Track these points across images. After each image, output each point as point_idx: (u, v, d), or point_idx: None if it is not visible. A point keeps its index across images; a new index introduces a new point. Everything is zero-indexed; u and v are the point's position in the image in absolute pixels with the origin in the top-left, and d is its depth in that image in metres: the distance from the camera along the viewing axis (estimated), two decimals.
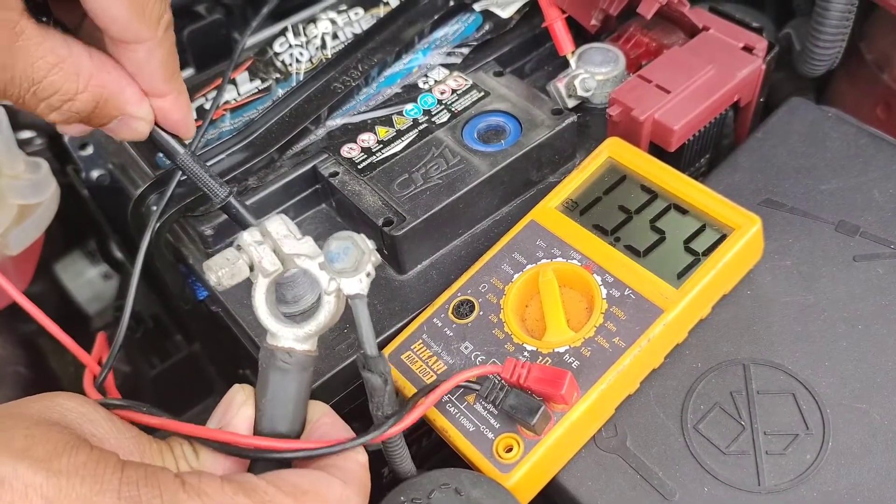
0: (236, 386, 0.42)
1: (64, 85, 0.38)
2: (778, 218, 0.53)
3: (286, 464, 0.40)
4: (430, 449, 0.64)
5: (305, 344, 0.41)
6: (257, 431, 0.41)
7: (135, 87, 0.41)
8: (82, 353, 0.45)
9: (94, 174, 0.66)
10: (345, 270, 0.40)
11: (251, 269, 0.41)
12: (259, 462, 0.40)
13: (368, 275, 0.40)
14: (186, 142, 0.46)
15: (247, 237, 0.41)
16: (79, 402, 0.36)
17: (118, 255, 1.01)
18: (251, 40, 0.67)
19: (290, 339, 0.40)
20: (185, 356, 0.79)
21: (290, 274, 0.50)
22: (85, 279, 0.99)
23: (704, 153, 0.60)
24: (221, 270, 0.40)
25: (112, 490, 0.31)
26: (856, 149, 0.55)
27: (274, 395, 0.40)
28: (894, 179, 0.53)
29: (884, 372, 0.46)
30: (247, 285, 0.54)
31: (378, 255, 0.41)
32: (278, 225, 0.41)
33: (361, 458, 0.41)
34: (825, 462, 0.44)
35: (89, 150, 0.65)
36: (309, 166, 0.56)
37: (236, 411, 0.41)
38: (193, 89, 0.62)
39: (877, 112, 0.68)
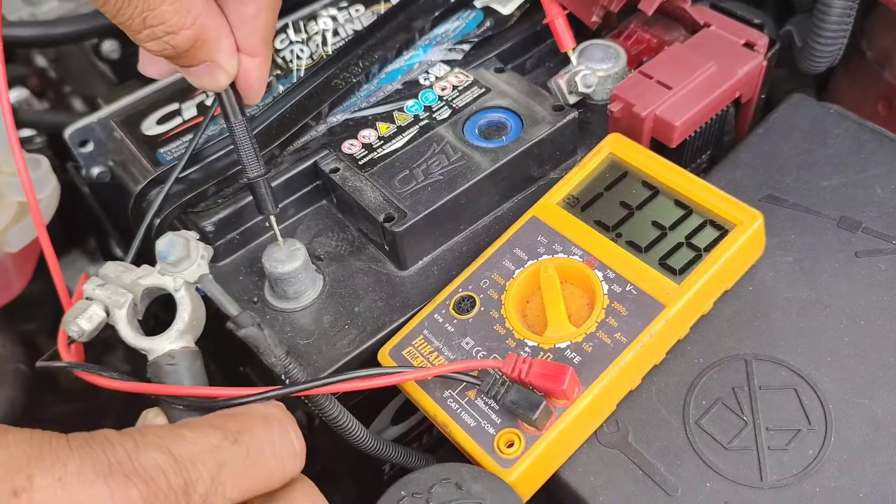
0: (147, 409, 0.43)
1: (173, 18, 0.39)
2: (779, 214, 0.53)
3: None
4: (431, 446, 0.64)
5: (181, 342, 0.43)
6: None
7: (231, 39, 0.43)
8: (66, 297, 0.47)
9: (95, 171, 0.66)
10: (179, 260, 0.43)
11: (107, 311, 0.44)
12: None
13: (203, 257, 0.44)
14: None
15: (89, 287, 0.44)
16: None
17: (118, 253, 1.01)
18: None
19: (166, 344, 0.43)
20: None
21: (290, 270, 0.50)
22: None
23: (706, 150, 0.60)
24: (79, 320, 0.42)
25: (61, 445, 0.31)
26: (857, 145, 0.55)
27: None
28: None
29: (886, 367, 0.46)
30: (244, 281, 0.54)
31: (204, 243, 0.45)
32: (112, 267, 0.45)
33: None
34: (827, 457, 0.44)
35: (89, 147, 0.65)
36: (310, 162, 0.56)
37: (152, 422, 0.42)
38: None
39: (878, 109, 0.68)
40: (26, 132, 0.79)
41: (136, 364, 0.88)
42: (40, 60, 0.93)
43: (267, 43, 0.44)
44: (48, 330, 0.90)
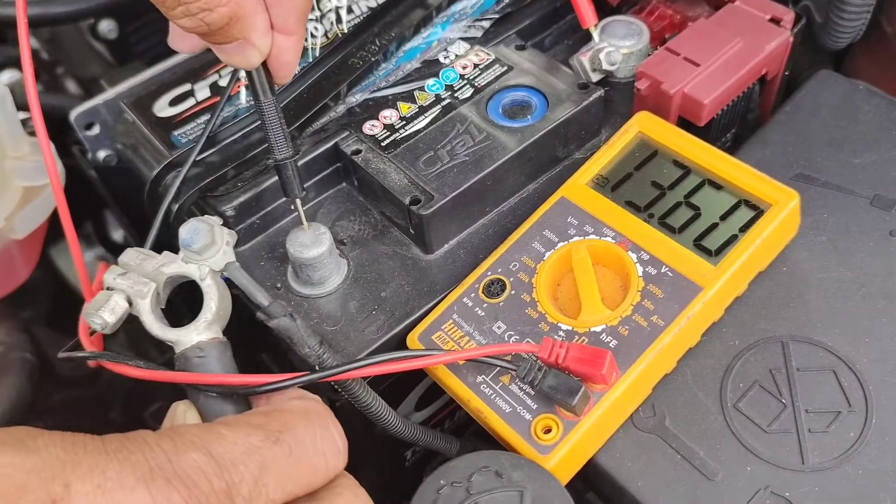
0: (176, 402, 0.42)
1: None
2: (812, 193, 0.52)
3: None
4: (453, 431, 0.63)
5: (209, 333, 0.42)
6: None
7: (266, 17, 0.41)
8: (87, 287, 0.46)
9: (101, 155, 0.64)
10: (204, 247, 0.42)
11: (129, 302, 0.42)
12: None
13: (228, 244, 0.43)
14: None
15: (109, 276, 0.43)
16: None
17: (115, 237, 0.99)
18: None
19: (194, 335, 0.41)
20: None
21: (316, 255, 0.49)
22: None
23: (731, 128, 0.59)
24: (101, 311, 0.41)
25: (96, 449, 0.30)
26: (889, 121, 0.54)
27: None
28: None
29: None
30: (267, 266, 0.53)
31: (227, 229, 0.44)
32: (132, 254, 0.43)
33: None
34: (869, 439, 0.43)
35: (95, 130, 0.63)
36: (330, 144, 0.55)
37: (182, 419, 0.41)
38: (207, 65, 0.60)
39: None
40: (22, 115, 0.77)
41: (139, 349, 0.87)
42: (32, 42, 0.90)
43: (302, 22, 0.43)
44: (45, 318, 0.88)
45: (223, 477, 0.31)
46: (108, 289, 0.43)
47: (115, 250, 0.99)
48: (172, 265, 0.43)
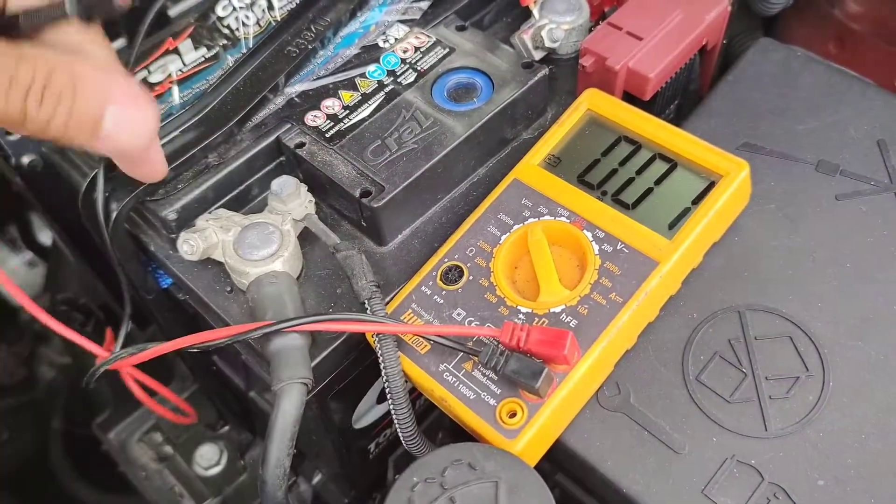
0: None
1: None
2: (758, 161, 0.52)
3: None
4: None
5: (284, 267, 0.47)
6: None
7: None
8: (92, 344, 0.51)
9: (25, 160, 0.61)
10: (290, 196, 0.49)
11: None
12: None
13: (310, 201, 0.51)
14: None
15: (201, 220, 0.49)
16: None
17: (43, 240, 0.95)
18: (186, 4, 0.62)
19: (268, 266, 0.47)
20: None
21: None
22: (8, 269, 0.93)
23: (674, 99, 0.60)
24: (196, 235, 0.48)
25: None
26: (828, 87, 0.55)
27: (274, 309, 0.45)
28: (868, 116, 0.53)
29: (875, 308, 0.47)
30: (214, 271, 0.51)
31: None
32: (222, 212, 0.51)
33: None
34: (828, 402, 0.44)
35: (17, 135, 0.59)
36: (272, 138, 0.53)
37: None
38: (136, 60, 0.57)
39: (829, 48, 0.69)
40: None
41: (82, 358, 0.84)
42: None
43: None
44: None
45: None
46: (199, 229, 0.49)
47: (44, 254, 0.95)
48: (258, 216, 0.49)
